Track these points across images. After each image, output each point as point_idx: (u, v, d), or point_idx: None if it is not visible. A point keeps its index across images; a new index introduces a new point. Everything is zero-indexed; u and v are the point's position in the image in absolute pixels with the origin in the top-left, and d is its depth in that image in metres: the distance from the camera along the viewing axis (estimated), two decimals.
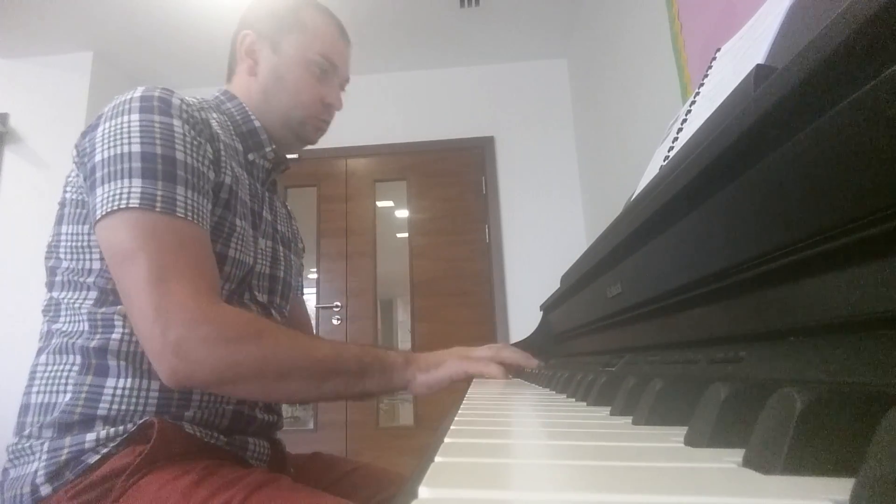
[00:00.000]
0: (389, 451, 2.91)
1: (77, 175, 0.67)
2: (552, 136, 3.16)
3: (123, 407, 0.62)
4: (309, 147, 0.90)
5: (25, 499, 0.58)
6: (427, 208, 3.20)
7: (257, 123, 0.82)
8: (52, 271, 0.69)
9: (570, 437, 0.26)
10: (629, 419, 0.31)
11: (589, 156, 2.89)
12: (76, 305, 0.65)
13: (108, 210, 0.59)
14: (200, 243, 0.64)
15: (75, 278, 0.66)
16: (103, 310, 0.65)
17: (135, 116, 0.63)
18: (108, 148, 0.62)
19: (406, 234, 3.19)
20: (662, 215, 0.41)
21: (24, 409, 0.64)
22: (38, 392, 0.64)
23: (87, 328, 0.64)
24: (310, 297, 3.10)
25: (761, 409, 0.18)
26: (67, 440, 0.60)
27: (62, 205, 0.69)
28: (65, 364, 0.64)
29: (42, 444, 0.60)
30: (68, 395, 0.62)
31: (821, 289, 0.24)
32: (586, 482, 0.17)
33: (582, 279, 0.72)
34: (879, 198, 0.19)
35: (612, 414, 0.34)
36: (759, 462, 0.17)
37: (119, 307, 0.64)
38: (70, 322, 0.65)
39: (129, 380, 0.63)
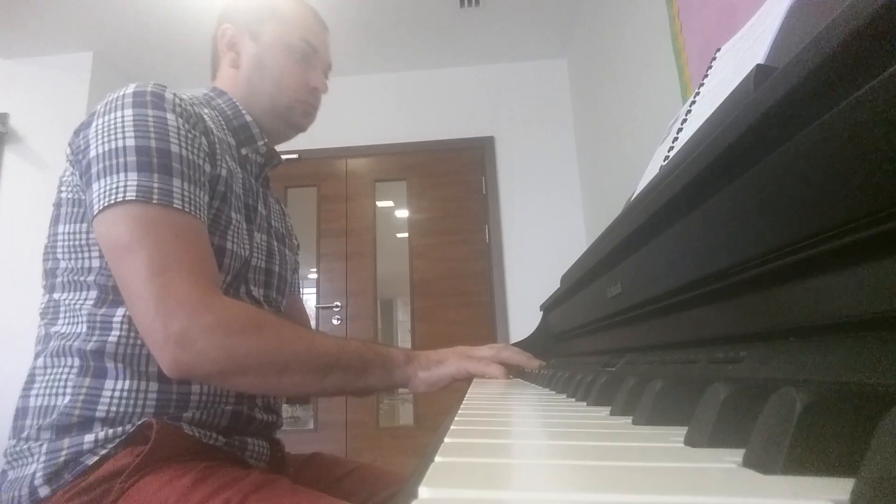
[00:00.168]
0: (389, 451, 2.91)
1: (72, 173, 0.67)
2: (552, 136, 3.16)
3: (122, 408, 0.62)
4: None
5: (24, 500, 0.58)
6: (427, 208, 3.20)
7: (249, 118, 0.82)
8: (50, 273, 0.69)
9: (570, 437, 0.26)
10: (629, 419, 0.31)
11: (589, 156, 2.89)
12: (76, 306, 0.65)
13: (106, 204, 0.59)
14: (199, 235, 0.64)
15: (75, 278, 0.66)
16: (103, 311, 0.64)
17: (128, 112, 0.63)
18: (103, 143, 0.62)
19: (406, 234, 3.19)
20: (662, 215, 0.41)
21: (23, 411, 0.64)
22: (36, 395, 0.64)
23: (84, 330, 0.64)
24: (310, 297, 3.11)
25: (761, 409, 0.18)
26: (66, 442, 0.60)
27: (57, 205, 0.69)
28: (63, 366, 0.64)
29: (40, 445, 0.60)
30: (67, 398, 0.62)
31: (821, 289, 0.24)
32: (586, 482, 0.17)
33: (582, 279, 0.72)
34: (879, 198, 0.19)
35: (612, 414, 0.34)
36: (760, 462, 0.17)
37: (120, 310, 0.64)
38: (68, 324, 0.65)
39: (128, 381, 0.63)
